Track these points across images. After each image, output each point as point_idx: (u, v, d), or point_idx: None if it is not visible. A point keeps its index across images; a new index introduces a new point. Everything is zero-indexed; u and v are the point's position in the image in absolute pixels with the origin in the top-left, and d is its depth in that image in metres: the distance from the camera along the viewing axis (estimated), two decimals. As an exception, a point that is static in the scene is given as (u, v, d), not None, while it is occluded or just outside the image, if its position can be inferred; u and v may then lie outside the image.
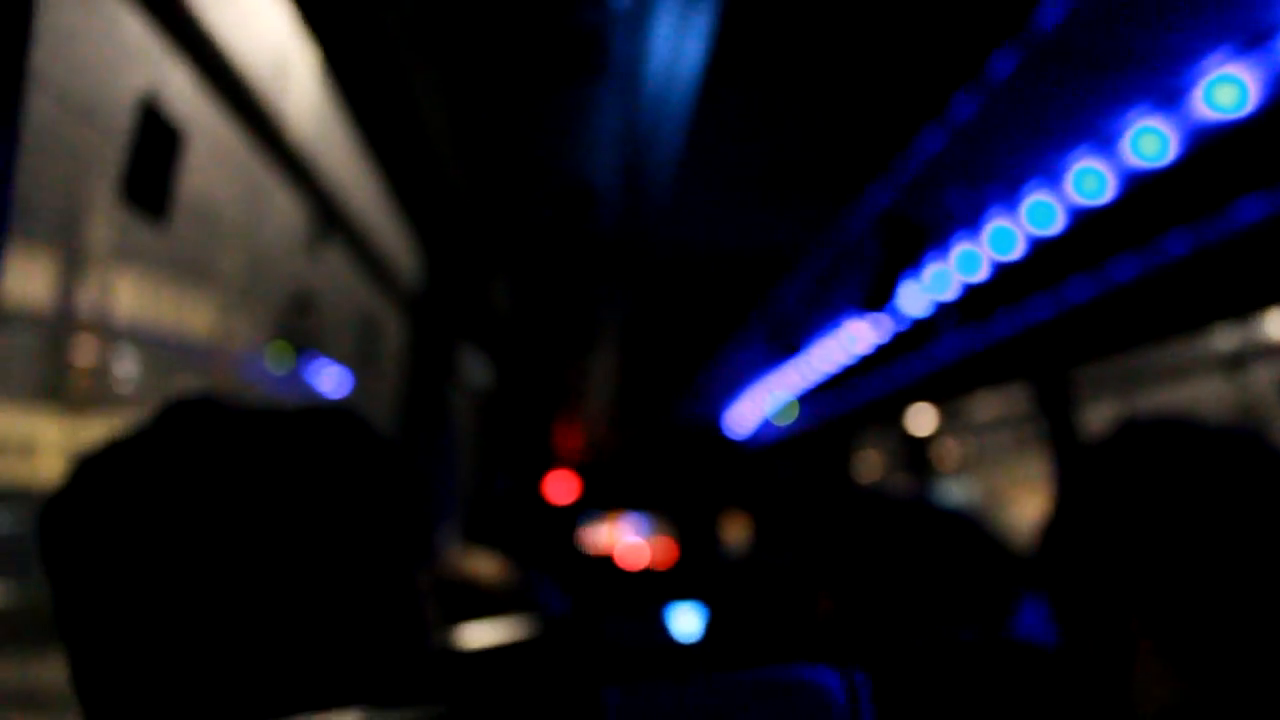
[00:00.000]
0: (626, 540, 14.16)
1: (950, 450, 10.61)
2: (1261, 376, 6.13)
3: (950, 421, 10.26)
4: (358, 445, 0.85)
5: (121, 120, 2.29)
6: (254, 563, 0.77)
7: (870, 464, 12.13)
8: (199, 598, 0.75)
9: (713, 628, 2.42)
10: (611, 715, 0.66)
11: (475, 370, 8.00)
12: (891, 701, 1.18)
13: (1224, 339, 6.36)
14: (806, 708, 0.67)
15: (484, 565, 3.31)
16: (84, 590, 0.77)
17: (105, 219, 2.29)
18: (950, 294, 7.40)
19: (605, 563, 12.66)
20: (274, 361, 3.73)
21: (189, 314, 2.86)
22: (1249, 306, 5.75)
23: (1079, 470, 1.14)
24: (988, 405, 9.05)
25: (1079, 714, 1.07)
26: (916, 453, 10.84)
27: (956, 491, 10.46)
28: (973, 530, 1.64)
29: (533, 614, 2.96)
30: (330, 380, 4.36)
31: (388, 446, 0.88)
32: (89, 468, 0.82)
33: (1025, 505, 8.58)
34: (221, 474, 0.79)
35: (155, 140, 2.41)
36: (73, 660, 0.79)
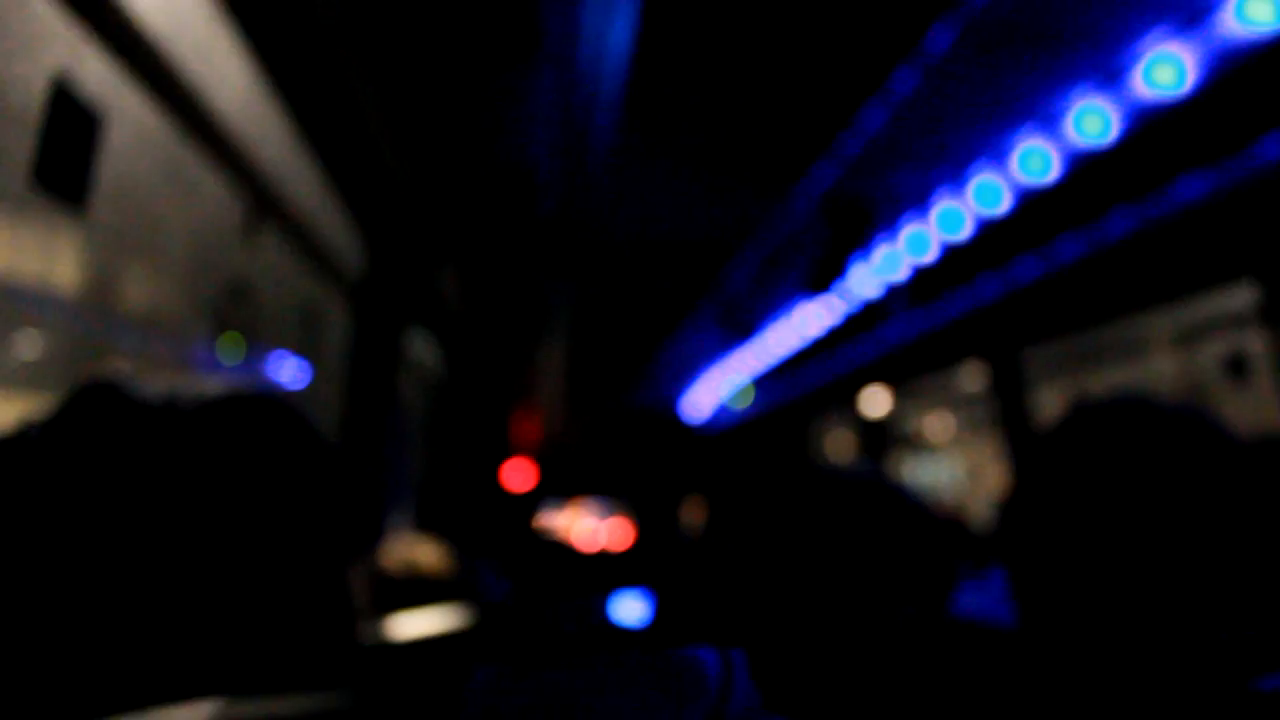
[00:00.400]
0: (583, 525, 14.18)
1: (934, 424, 10.58)
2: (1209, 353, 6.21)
3: (936, 395, 10.19)
4: (276, 431, 0.84)
5: (33, 102, 2.23)
6: (163, 553, 0.75)
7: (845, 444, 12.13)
8: (104, 590, 0.74)
9: (657, 612, 2.41)
10: (472, 695, 0.65)
11: (425, 358, 7.95)
12: (829, 679, 1.18)
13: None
14: (677, 685, 0.65)
15: (426, 553, 3.28)
16: None
17: (17, 205, 2.23)
18: (900, 275, 7.44)
19: (561, 549, 12.69)
20: (224, 352, 3.69)
21: (117, 299, 2.80)
22: (1193, 283, 5.82)
23: (1036, 450, 1.16)
24: (974, 378, 8.96)
25: (1036, 691, 1.07)
26: (871, 434, 10.93)
27: (934, 468, 10.46)
28: (911, 507, 1.64)
29: (473, 601, 2.94)
30: (285, 370, 4.31)
31: (308, 433, 0.87)
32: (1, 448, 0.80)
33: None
34: (128, 462, 0.77)
35: (70, 124, 2.35)
36: None
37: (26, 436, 0.81)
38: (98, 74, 2.51)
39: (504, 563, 4.88)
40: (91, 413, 0.82)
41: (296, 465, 0.83)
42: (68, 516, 0.76)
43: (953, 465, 10.24)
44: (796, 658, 1.11)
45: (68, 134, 2.33)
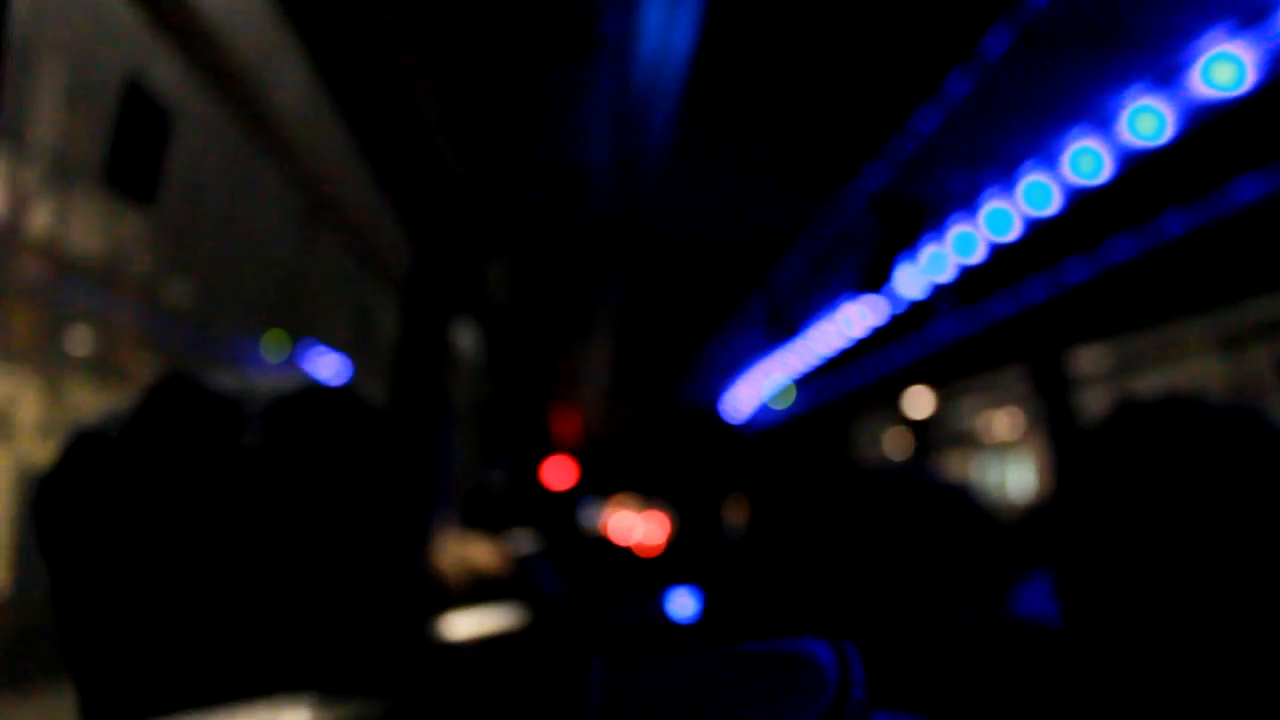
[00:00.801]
0: (627, 523, 14.18)
1: (1002, 421, 10.22)
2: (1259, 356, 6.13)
3: (1002, 391, 9.82)
4: (356, 423, 0.84)
5: (107, 102, 2.27)
6: (251, 542, 0.76)
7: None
8: (194, 577, 0.74)
9: (709, 608, 2.42)
10: (596, 686, 0.65)
11: (471, 354, 7.98)
12: (890, 678, 1.18)
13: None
14: (796, 678, 0.66)
15: (482, 551, 3.31)
16: (80, 570, 0.77)
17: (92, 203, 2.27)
18: (947, 276, 7.38)
19: (606, 546, 12.69)
20: (270, 349, 3.72)
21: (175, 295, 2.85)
22: (1247, 287, 5.75)
23: (1082, 449, 1.14)
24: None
25: (1082, 691, 1.07)
26: (916, 433, 10.86)
27: (1002, 467, 10.15)
28: (970, 507, 1.63)
29: (531, 598, 2.96)
30: (327, 366, 4.34)
31: (386, 424, 0.87)
32: (81, 446, 0.80)
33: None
34: (211, 454, 0.77)
35: (141, 122, 2.39)
36: (67, 638, 0.78)
37: (108, 432, 0.81)
38: (168, 74, 2.55)
39: (559, 560, 4.90)
40: (174, 407, 0.82)
41: (376, 457, 0.83)
42: (157, 510, 0.76)
43: (1021, 464, 9.99)
44: (899, 658, 1.11)
45: (139, 133, 2.37)
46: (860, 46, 4.42)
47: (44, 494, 0.81)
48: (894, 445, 12.03)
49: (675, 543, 12.53)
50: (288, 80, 3.43)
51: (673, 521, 13.90)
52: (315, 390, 0.86)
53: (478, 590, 2.88)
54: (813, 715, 0.61)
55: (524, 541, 4.54)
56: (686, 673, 0.63)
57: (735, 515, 13.71)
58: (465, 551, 3.19)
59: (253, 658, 0.75)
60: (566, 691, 0.66)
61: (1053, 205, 6.13)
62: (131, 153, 2.32)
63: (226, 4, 2.80)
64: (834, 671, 0.65)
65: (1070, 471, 1.16)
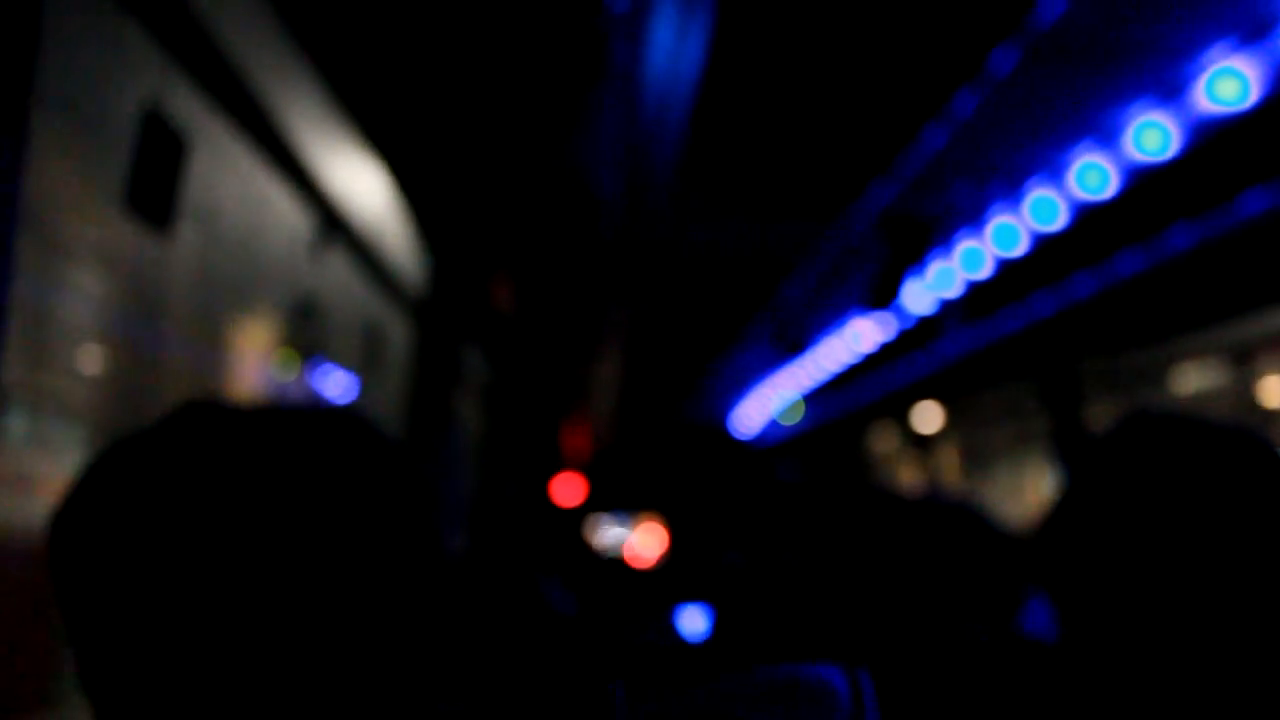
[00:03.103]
0: (636, 540, 14.13)
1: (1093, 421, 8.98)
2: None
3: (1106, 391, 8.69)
4: (365, 447, 0.85)
5: (125, 128, 2.30)
6: (264, 568, 0.76)
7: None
8: (209, 604, 0.75)
9: (719, 628, 2.42)
10: (618, 710, 0.66)
11: (482, 375, 8.00)
12: (904, 700, 1.19)
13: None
14: (812, 705, 0.67)
15: (494, 569, 3.31)
16: (95, 596, 0.77)
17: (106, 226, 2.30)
18: (954, 291, 7.38)
19: (616, 560, 12.64)
20: (282, 368, 3.73)
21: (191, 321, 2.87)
22: (1254, 300, 5.75)
23: (1083, 465, 1.14)
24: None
25: (1081, 708, 1.07)
26: (923, 449, 10.84)
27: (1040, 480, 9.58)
28: (979, 526, 1.64)
29: (543, 615, 2.96)
30: (336, 386, 4.35)
31: (393, 448, 0.88)
32: (97, 473, 0.81)
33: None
34: (230, 479, 0.78)
35: (159, 149, 2.41)
36: (83, 664, 0.79)
37: (120, 463, 0.81)
38: (184, 101, 2.58)
39: (566, 578, 4.90)
40: (195, 427, 0.83)
41: (385, 478, 0.84)
42: (192, 531, 0.76)
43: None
44: (913, 680, 1.12)
45: (157, 159, 2.40)
46: (868, 65, 4.45)
47: (59, 523, 0.80)
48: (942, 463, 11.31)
49: (680, 558, 12.48)
50: (302, 105, 3.46)
51: (675, 536, 13.84)
52: (325, 412, 0.87)
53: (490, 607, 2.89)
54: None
55: (535, 558, 4.55)
56: (703, 698, 0.64)
57: (742, 531, 13.65)
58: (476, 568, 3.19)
59: (272, 689, 0.76)
60: (585, 713, 0.67)
61: (1059, 220, 6.13)
62: (150, 178, 2.35)
63: (241, 30, 2.83)
64: (847, 698, 0.66)
65: (1073, 486, 1.16)
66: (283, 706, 0.76)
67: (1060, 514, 1.15)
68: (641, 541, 14.12)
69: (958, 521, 1.63)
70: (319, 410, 0.87)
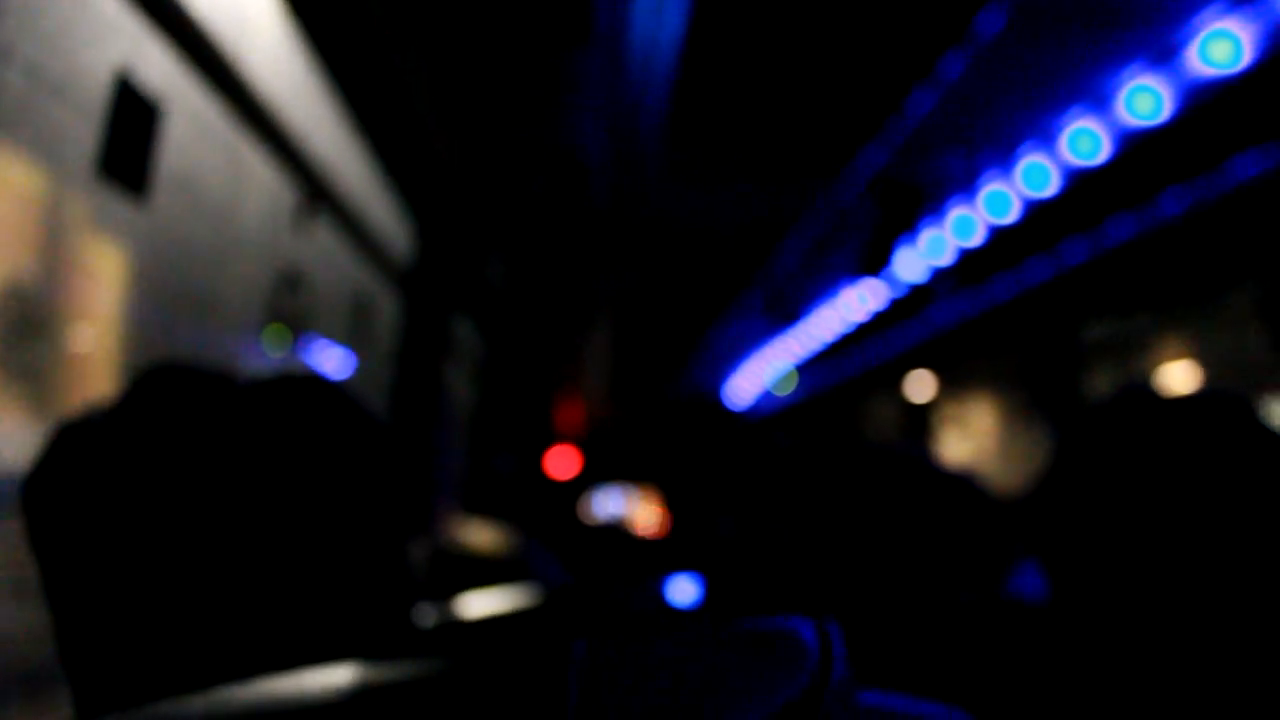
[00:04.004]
0: (632, 512, 14.18)
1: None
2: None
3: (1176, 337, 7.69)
4: (332, 413, 0.85)
5: (98, 95, 2.27)
6: (235, 531, 0.77)
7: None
8: (181, 567, 0.76)
9: (710, 593, 2.42)
10: (576, 665, 0.65)
11: (472, 344, 8.00)
12: (877, 654, 1.19)
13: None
14: (778, 655, 0.65)
15: (483, 536, 3.33)
16: (70, 561, 0.78)
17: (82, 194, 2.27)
18: (946, 259, 7.38)
19: (612, 532, 12.70)
20: (271, 342, 3.71)
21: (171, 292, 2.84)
22: (1249, 263, 5.73)
23: (1076, 433, 1.16)
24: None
25: (1070, 669, 1.08)
26: (915, 417, 10.87)
27: None
28: (969, 489, 1.63)
29: (532, 583, 2.97)
30: (331, 358, 4.34)
31: (360, 413, 0.88)
32: (68, 439, 0.82)
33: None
34: (199, 443, 0.79)
35: (132, 114, 2.39)
36: (59, 629, 0.79)
37: (95, 424, 0.82)
38: (158, 66, 2.54)
39: (556, 546, 4.92)
40: (159, 398, 0.83)
41: (349, 441, 0.85)
42: (145, 502, 0.77)
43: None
44: (854, 641, 1.11)
45: (130, 125, 2.37)
46: (853, 30, 4.42)
47: (32, 487, 0.82)
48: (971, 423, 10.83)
49: (676, 529, 12.55)
50: (282, 70, 3.42)
51: (671, 507, 13.90)
52: (288, 378, 0.87)
53: (480, 574, 2.90)
54: (793, 692, 0.61)
55: (526, 528, 4.56)
56: (666, 653, 0.63)
57: (735, 500, 13.69)
58: (467, 536, 3.21)
59: (244, 647, 0.76)
60: (552, 673, 0.66)
61: (1051, 186, 6.12)
62: (123, 143, 2.33)
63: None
64: (816, 650, 0.65)
65: (1066, 453, 1.18)
66: (248, 667, 0.76)
67: (1053, 479, 1.17)
68: (637, 514, 14.18)
69: (946, 484, 1.63)
70: (286, 378, 0.88)
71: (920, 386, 10.80)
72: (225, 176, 3.12)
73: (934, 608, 1.26)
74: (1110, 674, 1.04)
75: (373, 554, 0.83)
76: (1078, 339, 7.54)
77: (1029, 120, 5.67)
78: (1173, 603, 1.01)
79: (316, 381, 0.88)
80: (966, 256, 7.26)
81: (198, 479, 0.77)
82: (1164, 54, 4.88)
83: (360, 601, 0.82)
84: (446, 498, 6.61)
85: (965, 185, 6.57)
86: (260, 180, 3.44)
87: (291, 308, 3.81)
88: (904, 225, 6.29)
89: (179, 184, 2.73)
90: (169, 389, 0.83)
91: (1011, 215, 6.54)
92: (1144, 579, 1.03)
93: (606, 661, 0.65)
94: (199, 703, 0.64)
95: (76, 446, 0.81)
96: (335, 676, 0.66)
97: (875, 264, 6.40)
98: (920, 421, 10.80)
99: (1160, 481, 1.03)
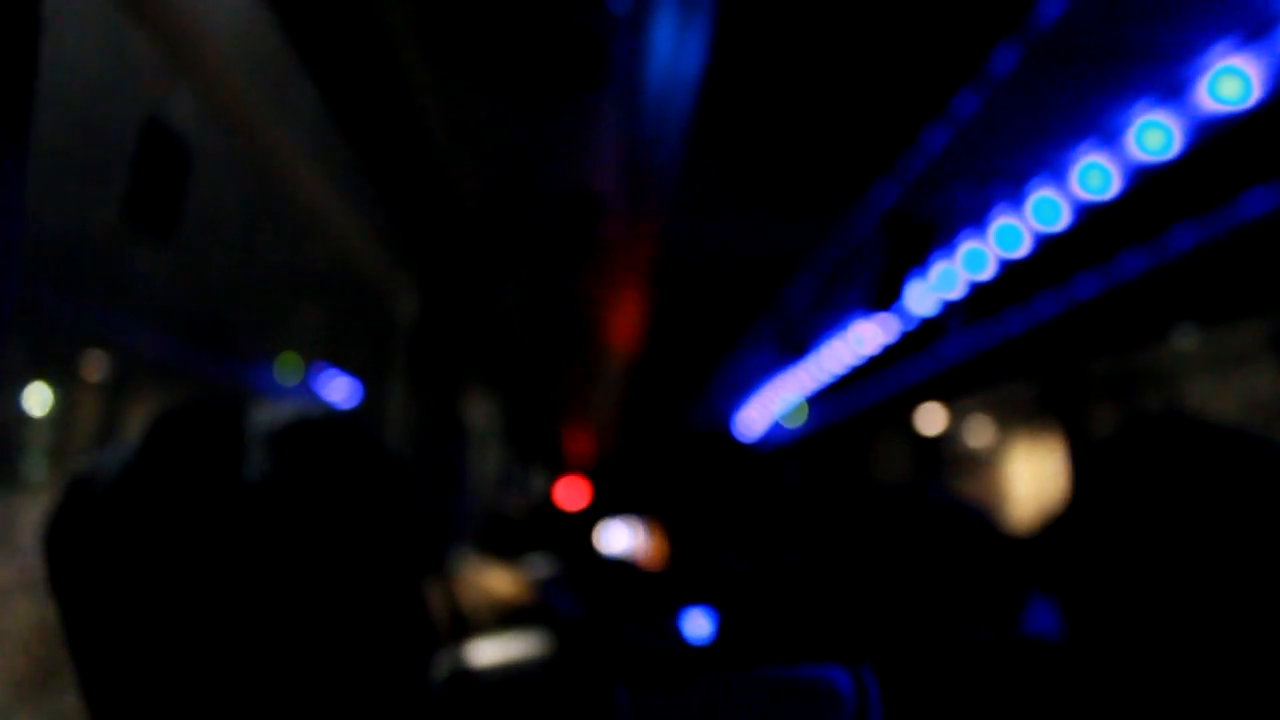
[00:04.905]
0: (641, 543, 14.11)
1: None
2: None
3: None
4: (355, 457, 0.85)
5: (127, 139, 2.30)
6: (258, 577, 0.77)
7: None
8: (203, 613, 0.76)
9: (724, 630, 2.42)
10: (622, 712, 0.66)
11: (487, 376, 7.99)
12: (908, 701, 1.19)
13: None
14: (816, 705, 0.67)
15: (501, 578, 3.32)
16: (91, 608, 0.78)
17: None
18: (957, 292, 7.38)
19: (621, 567, 12.64)
20: (283, 372, 3.73)
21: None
22: (1258, 300, 5.73)
23: (1089, 466, 1.14)
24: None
25: (1086, 709, 1.07)
26: (926, 451, 10.83)
27: None
28: (981, 526, 1.64)
29: (550, 622, 2.96)
30: (341, 389, 4.35)
31: (387, 454, 0.88)
32: (86, 486, 0.82)
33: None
34: (222, 488, 0.79)
35: (160, 159, 2.41)
36: (82, 675, 0.79)
37: (113, 468, 0.82)
38: (185, 110, 2.58)
39: (576, 583, 4.90)
40: (176, 443, 0.82)
41: (371, 487, 0.84)
42: (162, 547, 0.77)
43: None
44: (917, 681, 1.11)
45: (159, 169, 2.39)
46: (868, 67, 4.45)
47: (50, 535, 0.82)
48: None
49: (684, 561, 12.45)
50: (299, 113, 3.46)
51: (679, 540, 13.79)
52: (316, 421, 0.86)
53: (498, 617, 2.89)
54: (830, 740, 0.62)
55: (542, 565, 4.55)
56: (707, 700, 0.64)
57: (746, 534, 13.61)
58: (483, 579, 3.20)
59: (265, 698, 0.76)
60: (590, 715, 0.67)
61: (1062, 221, 6.13)
62: (150, 188, 2.35)
63: (237, 39, 2.84)
64: (852, 698, 0.66)
65: (1080, 488, 1.16)
66: (266, 708, 0.76)
67: (1067, 515, 1.15)
68: (646, 545, 14.10)
69: (960, 522, 1.63)
70: (312, 418, 0.87)
71: (930, 419, 10.77)
72: (244, 217, 3.15)
73: (952, 646, 1.25)
74: (1129, 715, 1.03)
75: (395, 602, 0.83)
76: (1088, 372, 7.53)
77: (1040, 155, 5.69)
78: (1191, 642, 1.00)
79: (343, 423, 0.88)
80: (977, 290, 7.27)
81: (215, 529, 0.77)
82: (1174, 90, 4.91)
83: (383, 651, 0.81)
84: (462, 536, 6.60)
85: (976, 219, 6.59)
86: (279, 217, 3.47)
87: (304, 339, 3.82)
88: (915, 260, 6.30)
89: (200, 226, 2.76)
90: (186, 434, 0.83)
91: (1022, 249, 6.55)
92: (1162, 617, 1.01)
93: (650, 708, 0.66)
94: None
95: (94, 494, 0.80)
96: None
97: (887, 298, 6.41)
98: (931, 455, 10.76)
99: (1178, 516, 1.02)
